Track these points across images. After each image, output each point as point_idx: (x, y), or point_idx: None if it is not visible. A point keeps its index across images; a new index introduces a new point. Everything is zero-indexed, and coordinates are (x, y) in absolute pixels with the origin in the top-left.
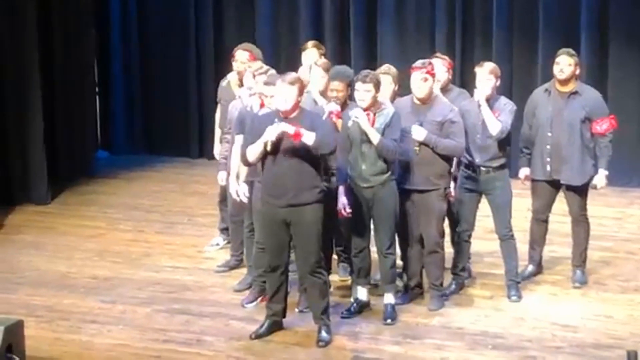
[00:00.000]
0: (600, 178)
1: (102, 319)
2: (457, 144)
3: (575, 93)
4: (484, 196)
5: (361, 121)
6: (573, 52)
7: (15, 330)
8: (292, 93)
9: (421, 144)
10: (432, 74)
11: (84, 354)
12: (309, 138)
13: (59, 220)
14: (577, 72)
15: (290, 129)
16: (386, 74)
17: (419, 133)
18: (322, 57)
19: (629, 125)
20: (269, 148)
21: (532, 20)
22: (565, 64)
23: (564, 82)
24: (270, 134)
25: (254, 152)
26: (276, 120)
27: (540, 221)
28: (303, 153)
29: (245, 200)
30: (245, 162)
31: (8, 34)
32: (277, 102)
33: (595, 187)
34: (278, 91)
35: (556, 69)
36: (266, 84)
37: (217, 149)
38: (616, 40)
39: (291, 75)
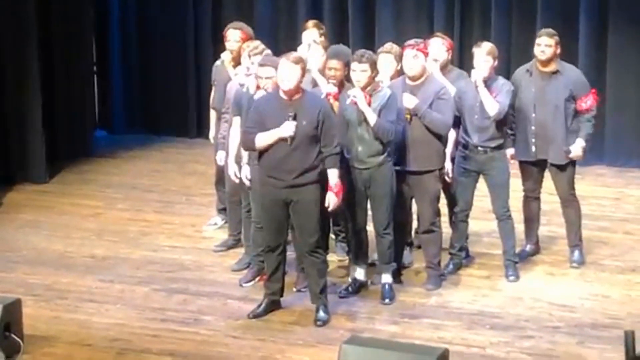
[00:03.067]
0: (577, 147)
1: (100, 298)
2: (443, 119)
3: (556, 72)
4: (481, 176)
5: (359, 101)
6: (553, 32)
7: (13, 308)
8: (295, 72)
9: (411, 113)
10: (424, 52)
11: (82, 332)
12: None
13: (57, 200)
14: (558, 51)
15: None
16: (388, 52)
17: (409, 101)
18: (322, 37)
19: (628, 108)
20: (290, 142)
21: (531, 0)
22: (545, 44)
23: (546, 63)
24: (287, 130)
25: (264, 141)
26: (281, 104)
27: (533, 199)
28: (308, 135)
29: (248, 183)
30: (250, 148)
31: (7, 14)
32: (279, 81)
33: (568, 153)
34: (280, 70)
35: (537, 50)
36: (261, 65)
37: (212, 133)
38: (616, 22)
39: (295, 55)
